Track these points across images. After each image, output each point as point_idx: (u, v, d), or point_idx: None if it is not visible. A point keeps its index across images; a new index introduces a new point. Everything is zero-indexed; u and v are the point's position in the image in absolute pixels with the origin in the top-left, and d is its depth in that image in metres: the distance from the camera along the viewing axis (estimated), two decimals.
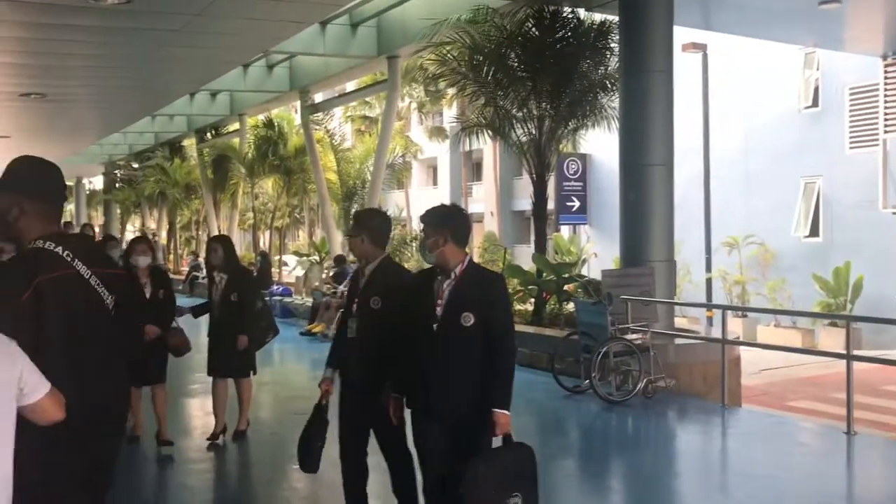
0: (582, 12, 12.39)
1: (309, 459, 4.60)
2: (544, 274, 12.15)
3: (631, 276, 9.80)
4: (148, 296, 6.59)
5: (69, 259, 2.98)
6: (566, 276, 12.03)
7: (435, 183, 44.53)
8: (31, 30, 10.34)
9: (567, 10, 12.09)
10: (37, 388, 2.57)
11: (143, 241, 7.21)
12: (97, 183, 39.83)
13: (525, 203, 39.09)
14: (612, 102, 12.45)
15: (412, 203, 39.89)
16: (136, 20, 9.75)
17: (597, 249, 22.41)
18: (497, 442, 3.88)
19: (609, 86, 12.46)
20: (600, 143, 17.80)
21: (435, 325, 3.92)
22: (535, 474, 3.82)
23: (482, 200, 39.94)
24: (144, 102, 17.68)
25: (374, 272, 4.52)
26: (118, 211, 35.76)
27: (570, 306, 11.82)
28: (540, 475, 3.83)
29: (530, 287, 12.67)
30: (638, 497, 6.15)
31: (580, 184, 19.17)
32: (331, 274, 16.41)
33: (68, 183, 38.84)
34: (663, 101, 10.13)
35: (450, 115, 36.77)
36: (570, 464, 7.13)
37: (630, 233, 10.37)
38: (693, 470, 6.85)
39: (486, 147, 36.29)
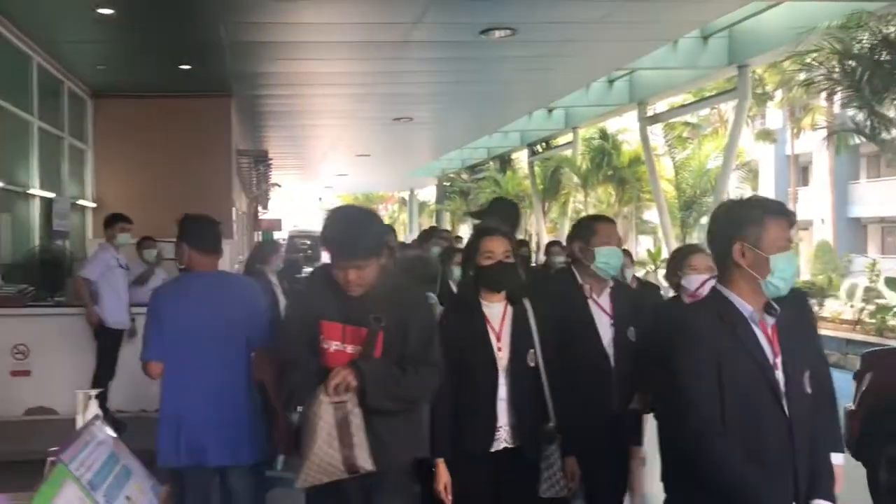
0: None
1: None
2: None
3: None
4: None
5: None
6: None
7: (754, 188, 42.48)
8: (422, 63, 11.42)
9: None
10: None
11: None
12: (422, 195, 43.30)
13: (862, 209, 36.05)
14: None
15: None
16: (514, 49, 10.20)
17: None
18: None
19: None
20: None
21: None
22: None
23: (810, 206, 37.49)
24: (489, 122, 18.88)
25: None
26: (449, 219, 38.54)
27: None
28: None
29: None
30: None
31: None
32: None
33: (403, 195, 41.73)
34: None
35: (777, 117, 35.11)
36: None
37: None
38: None
39: (816, 150, 34.05)
